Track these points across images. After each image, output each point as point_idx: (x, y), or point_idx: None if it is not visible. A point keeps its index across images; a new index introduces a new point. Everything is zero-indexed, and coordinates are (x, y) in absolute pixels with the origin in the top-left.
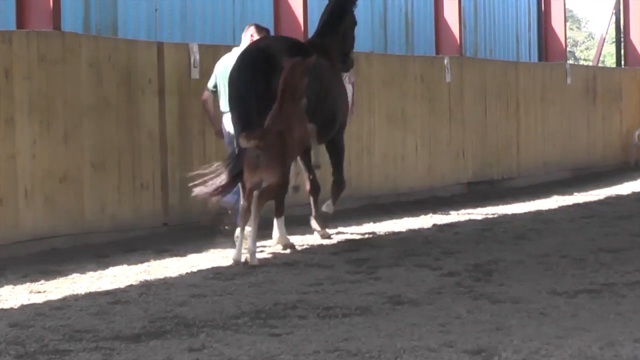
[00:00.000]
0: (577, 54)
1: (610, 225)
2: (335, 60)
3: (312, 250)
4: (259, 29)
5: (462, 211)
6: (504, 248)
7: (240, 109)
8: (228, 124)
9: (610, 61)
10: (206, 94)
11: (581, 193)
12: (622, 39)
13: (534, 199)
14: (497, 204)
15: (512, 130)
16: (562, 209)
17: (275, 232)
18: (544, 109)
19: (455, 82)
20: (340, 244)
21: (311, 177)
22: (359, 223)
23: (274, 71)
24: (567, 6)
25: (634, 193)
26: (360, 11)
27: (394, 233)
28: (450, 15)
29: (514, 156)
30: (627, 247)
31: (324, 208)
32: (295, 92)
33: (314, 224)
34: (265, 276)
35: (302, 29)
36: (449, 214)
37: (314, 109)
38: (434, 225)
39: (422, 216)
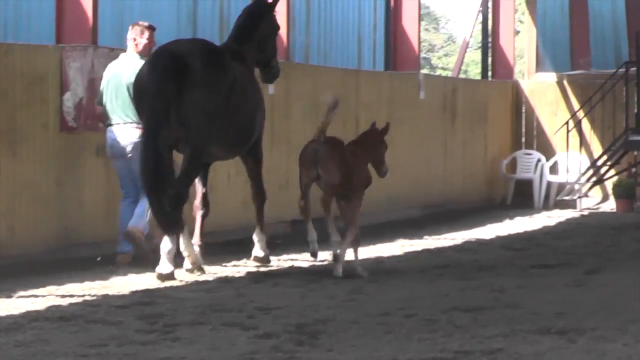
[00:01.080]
0: (434, 61)
1: (468, 277)
2: (252, 67)
3: (95, 301)
4: (148, 28)
5: (285, 256)
6: (335, 304)
7: (151, 115)
8: (118, 136)
9: (474, 71)
10: (100, 109)
11: (434, 236)
12: (489, 44)
13: (374, 243)
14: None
15: None
16: (409, 256)
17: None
18: (391, 130)
19: (280, 94)
20: (130, 294)
21: (204, 191)
22: (152, 270)
23: (185, 76)
24: (422, 2)
25: (498, 238)
26: (164, 4)
27: (197, 283)
28: (276, 11)
29: None
30: (489, 305)
31: (255, 237)
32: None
33: (190, 250)
34: (35, 334)
35: (91, 24)
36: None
37: (229, 119)
38: (248, 273)
39: (235, 262)
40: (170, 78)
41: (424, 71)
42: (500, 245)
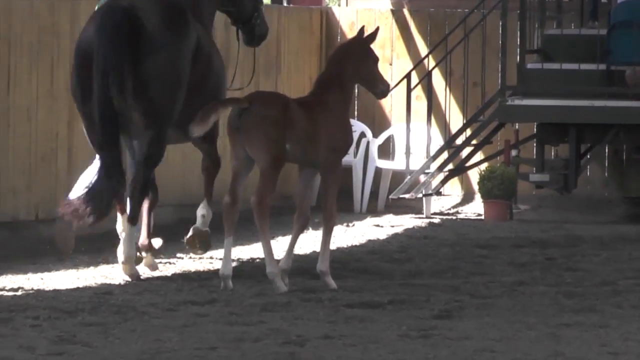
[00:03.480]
0: None
1: (248, 321)
2: (209, 22)
3: None
4: None
5: None
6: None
7: (102, 83)
8: None
9: None
10: None
11: (193, 256)
12: None
13: (95, 265)
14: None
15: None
16: (154, 288)
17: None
18: None
19: None
20: None
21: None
22: None
23: (139, 36)
24: None
25: (296, 259)
26: None
27: None
28: None
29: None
30: None
31: (200, 211)
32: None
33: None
34: None
35: None
36: None
37: (193, 92)
38: None
39: None
40: (124, 40)
41: None
42: (299, 270)
